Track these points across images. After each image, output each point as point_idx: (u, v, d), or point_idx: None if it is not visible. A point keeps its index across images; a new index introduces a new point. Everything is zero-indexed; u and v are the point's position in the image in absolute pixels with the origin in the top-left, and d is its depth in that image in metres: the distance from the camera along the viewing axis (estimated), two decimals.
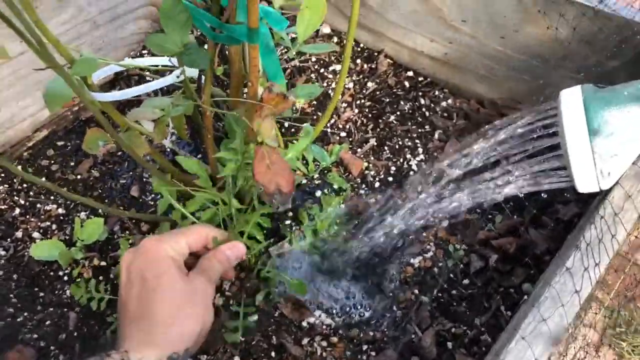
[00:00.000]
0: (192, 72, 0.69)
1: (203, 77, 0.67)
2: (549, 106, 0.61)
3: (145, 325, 0.54)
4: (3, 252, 0.83)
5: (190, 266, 0.62)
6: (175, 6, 0.53)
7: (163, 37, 0.54)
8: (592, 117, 0.56)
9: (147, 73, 0.65)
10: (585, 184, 0.58)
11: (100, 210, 0.85)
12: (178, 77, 0.64)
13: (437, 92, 0.98)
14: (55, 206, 0.88)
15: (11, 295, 0.78)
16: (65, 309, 0.77)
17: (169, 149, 0.91)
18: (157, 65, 0.68)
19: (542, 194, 0.81)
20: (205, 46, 0.60)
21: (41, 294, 0.78)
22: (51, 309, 0.77)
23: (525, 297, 0.67)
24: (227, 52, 0.63)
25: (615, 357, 0.84)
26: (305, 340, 0.72)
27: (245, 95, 0.61)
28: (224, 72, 0.88)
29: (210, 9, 0.57)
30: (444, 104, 0.96)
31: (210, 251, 0.64)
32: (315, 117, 0.97)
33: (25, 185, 0.91)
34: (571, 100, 0.57)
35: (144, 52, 1.08)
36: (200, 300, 0.58)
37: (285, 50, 1.05)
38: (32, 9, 0.48)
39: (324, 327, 0.74)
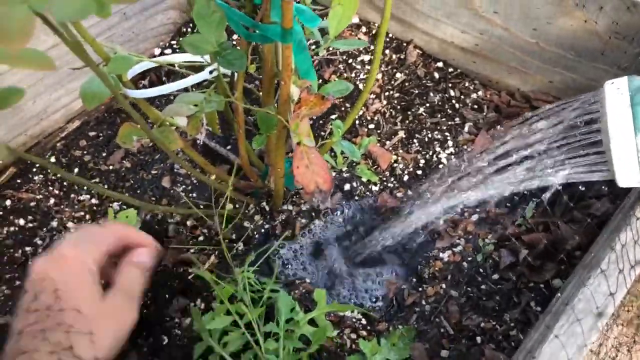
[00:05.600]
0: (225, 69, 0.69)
1: (235, 73, 0.68)
2: (591, 97, 0.60)
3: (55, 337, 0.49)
4: (40, 242, 0.85)
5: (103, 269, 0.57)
6: (208, 6, 0.53)
7: (198, 37, 0.53)
8: (638, 111, 0.55)
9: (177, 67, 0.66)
10: (626, 178, 0.57)
11: None
12: (211, 72, 0.64)
13: (467, 84, 0.97)
14: (88, 196, 0.90)
15: None
16: None
17: (199, 141, 0.92)
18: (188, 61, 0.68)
19: (575, 189, 0.80)
20: (235, 36, 0.59)
21: None
22: None
23: (559, 294, 0.67)
24: (259, 50, 0.63)
25: None
26: (334, 333, 0.73)
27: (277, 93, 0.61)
28: (256, 69, 0.89)
29: (243, 7, 0.57)
30: (474, 96, 0.95)
31: (124, 262, 0.59)
32: (343, 108, 0.97)
33: (59, 175, 0.93)
34: (616, 91, 0.56)
35: (172, 42, 1.09)
36: (118, 318, 0.54)
37: (314, 44, 1.04)
38: None
39: (354, 320, 0.75)
